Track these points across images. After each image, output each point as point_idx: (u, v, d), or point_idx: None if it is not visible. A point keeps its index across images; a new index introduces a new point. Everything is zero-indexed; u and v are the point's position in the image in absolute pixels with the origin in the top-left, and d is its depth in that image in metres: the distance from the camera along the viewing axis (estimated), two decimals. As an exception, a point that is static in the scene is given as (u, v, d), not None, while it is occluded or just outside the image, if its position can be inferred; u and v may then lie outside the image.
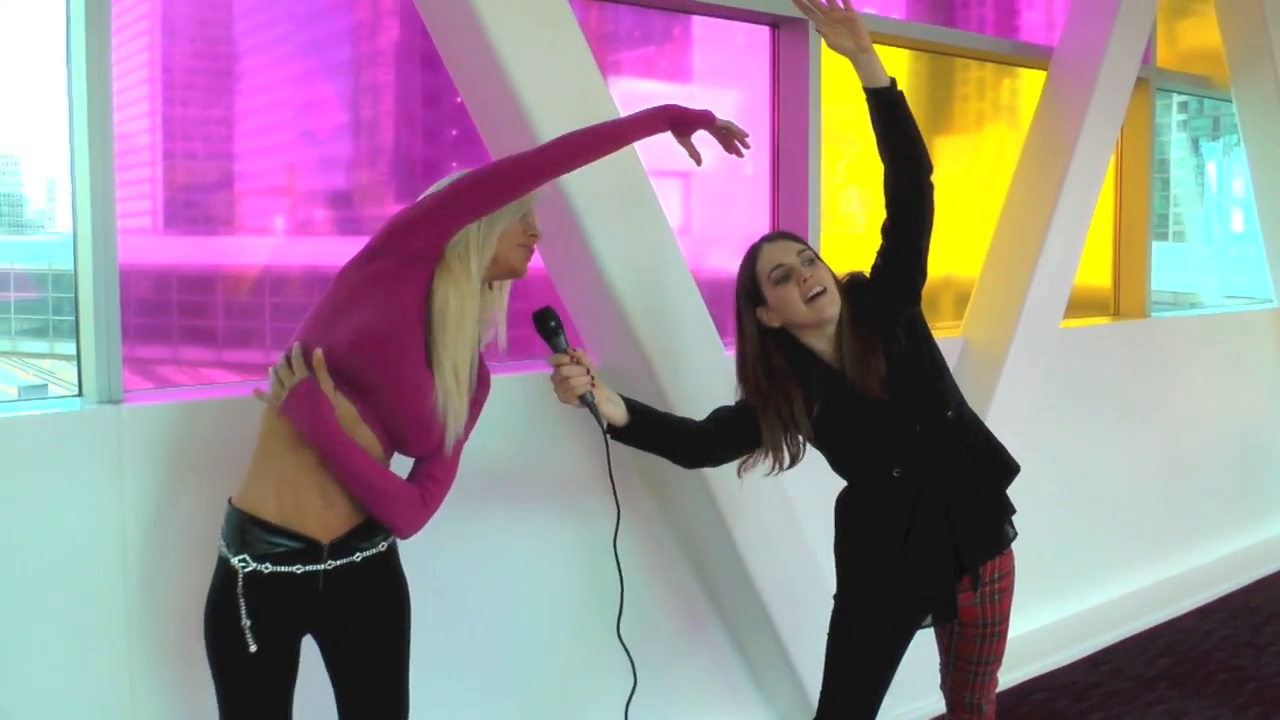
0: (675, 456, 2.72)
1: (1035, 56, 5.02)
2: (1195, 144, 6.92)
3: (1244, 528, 6.38)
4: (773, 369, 2.64)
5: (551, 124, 3.03)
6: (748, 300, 2.65)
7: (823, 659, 2.82)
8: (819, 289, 2.57)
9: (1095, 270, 5.70)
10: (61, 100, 2.69)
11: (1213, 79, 6.29)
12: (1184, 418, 5.89)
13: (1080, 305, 5.42)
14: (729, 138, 2.72)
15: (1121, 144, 5.67)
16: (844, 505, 2.81)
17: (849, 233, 4.64)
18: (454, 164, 3.60)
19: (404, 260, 2.26)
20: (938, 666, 2.98)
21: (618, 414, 2.55)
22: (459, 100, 3.29)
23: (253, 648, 2.25)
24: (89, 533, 2.62)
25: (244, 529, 2.27)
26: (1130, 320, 5.72)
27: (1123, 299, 5.81)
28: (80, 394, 2.76)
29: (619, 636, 2.70)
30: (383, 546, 2.40)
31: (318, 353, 2.23)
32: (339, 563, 2.31)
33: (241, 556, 2.26)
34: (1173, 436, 5.83)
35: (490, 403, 2.56)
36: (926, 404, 2.65)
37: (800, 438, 2.69)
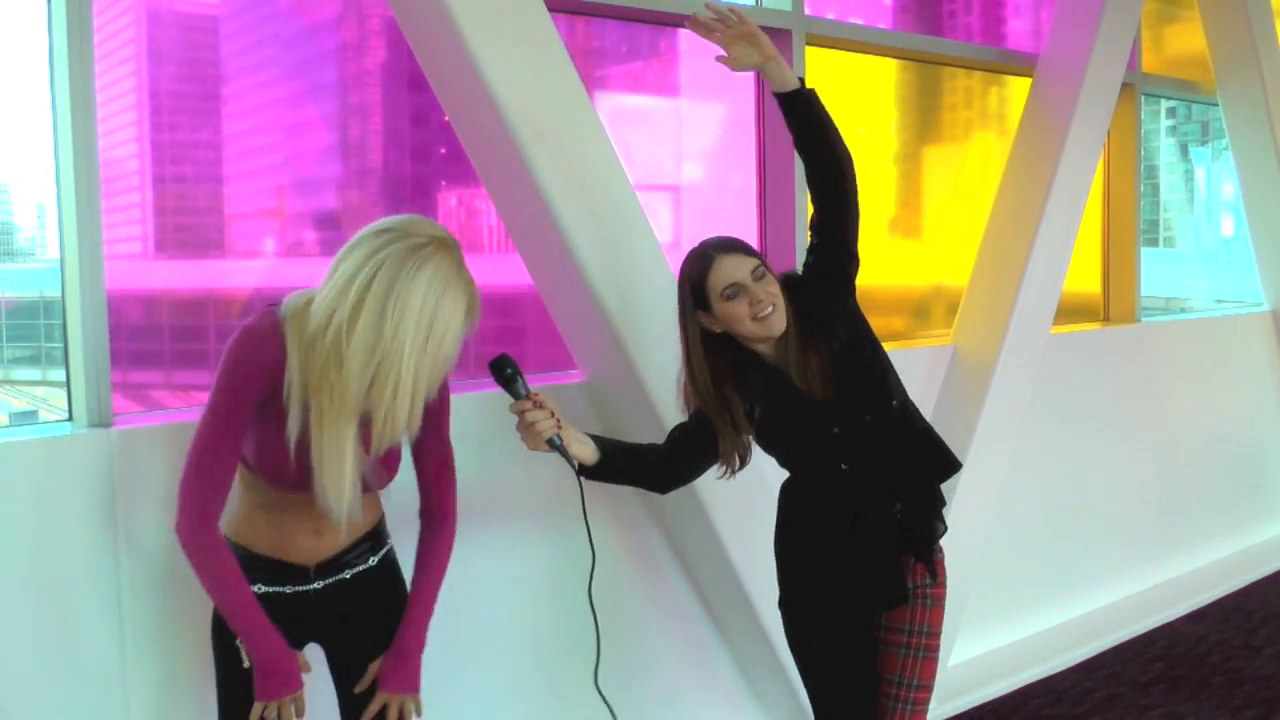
0: (647, 485, 2.71)
1: (1021, 64, 5.04)
2: (1184, 149, 6.95)
3: (1237, 530, 6.40)
4: (714, 374, 2.62)
5: (537, 142, 3.05)
6: (691, 304, 2.61)
7: None
8: (769, 309, 2.53)
9: (1085, 276, 5.71)
10: (47, 126, 2.70)
11: (1199, 84, 6.32)
12: (1175, 422, 5.91)
13: (1070, 311, 5.43)
14: None
15: (1109, 149, 5.69)
16: (787, 496, 2.78)
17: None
18: (443, 182, 3.62)
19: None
20: None
21: (586, 453, 2.52)
22: (447, 119, 3.31)
23: (246, 664, 2.26)
24: (82, 556, 2.62)
25: (239, 557, 2.29)
26: (1120, 326, 5.74)
27: (1113, 304, 5.83)
28: (70, 418, 2.77)
29: (595, 684, 2.65)
30: (374, 562, 2.42)
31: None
32: (328, 581, 2.35)
33: None
34: (1164, 441, 5.85)
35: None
36: (872, 396, 2.64)
37: (747, 439, 2.67)
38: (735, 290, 2.54)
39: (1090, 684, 4.68)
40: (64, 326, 2.76)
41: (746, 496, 3.30)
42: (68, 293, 2.73)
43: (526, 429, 2.46)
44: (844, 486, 2.65)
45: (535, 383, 3.39)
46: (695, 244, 2.66)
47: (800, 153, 2.63)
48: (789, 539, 2.77)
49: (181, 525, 2.16)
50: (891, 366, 2.72)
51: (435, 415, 2.34)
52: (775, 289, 2.56)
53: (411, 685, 2.37)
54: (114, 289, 2.78)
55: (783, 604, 2.79)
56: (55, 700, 2.61)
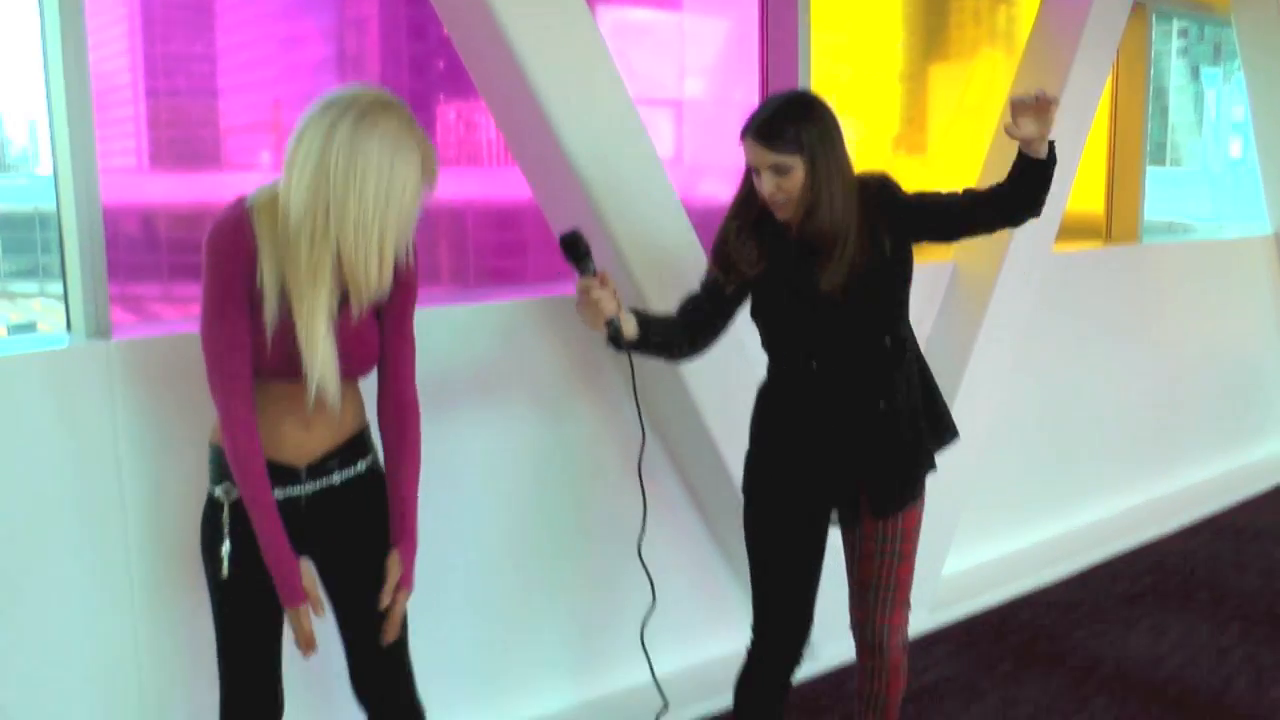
0: (672, 355, 2.74)
1: (1029, -20, 5.00)
2: (1195, 71, 6.88)
3: (1231, 450, 6.46)
4: (751, 208, 2.67)
5: (537, 56, 3.04)
6: None
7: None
8: (779, 201, 2.58)
9: (1089, 195, 5.70)
10: (37, 39, 2.69)
11: (1212, 4, 6.24)
12: (1174, 342, 5.94)
13: (1073, 230, 5.44)
14: None
15: (1117, 69, 5.64)
16: (761, 397, 2.82)
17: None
18: (441, 96, 3.61)
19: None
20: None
21: (631, 329, 2.57)
22: (445, 33, 3.30)
23: (225, 574, 2.31)
24: (82, 466, 2.67)
25: (223, 462, 2.32)
26: (1122, 245, 5.73)
27: (1115, 225, 5.82)
28: (69, 330, 2.79)
29: (639, 555, 2.79)
30: (361, 468, 2.44)
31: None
32: (318, 485, 2.37)
33: (223, 485, 2.33)
34: (1162, 361, 5.88)
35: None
36: (870, 317, 2.66)
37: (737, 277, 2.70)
38: (754, 171, 2.61)
39: (1080, 596, 4.75)
40: (60, 240, 2.78)
41: (744, 396, 3.34)
42: (63, 206, 2.74)
43: (590, 305, 2.49)
44: (813, 387, 2.69)
45: (535, 294, 3.46)
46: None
47: (1010, 186, 2.60)
48: (756, 438, 2.82)
49: (219, 424, 2.26)
50: (905, 311, 2.74)
51: (401, 297, 2.37)
52: (793, 184, 2.55)
53: (412, 584, 2.45)
54: (110, 202, 2.79)
55: (744, 494, 2.85)
56: (62, 607, 2.68)
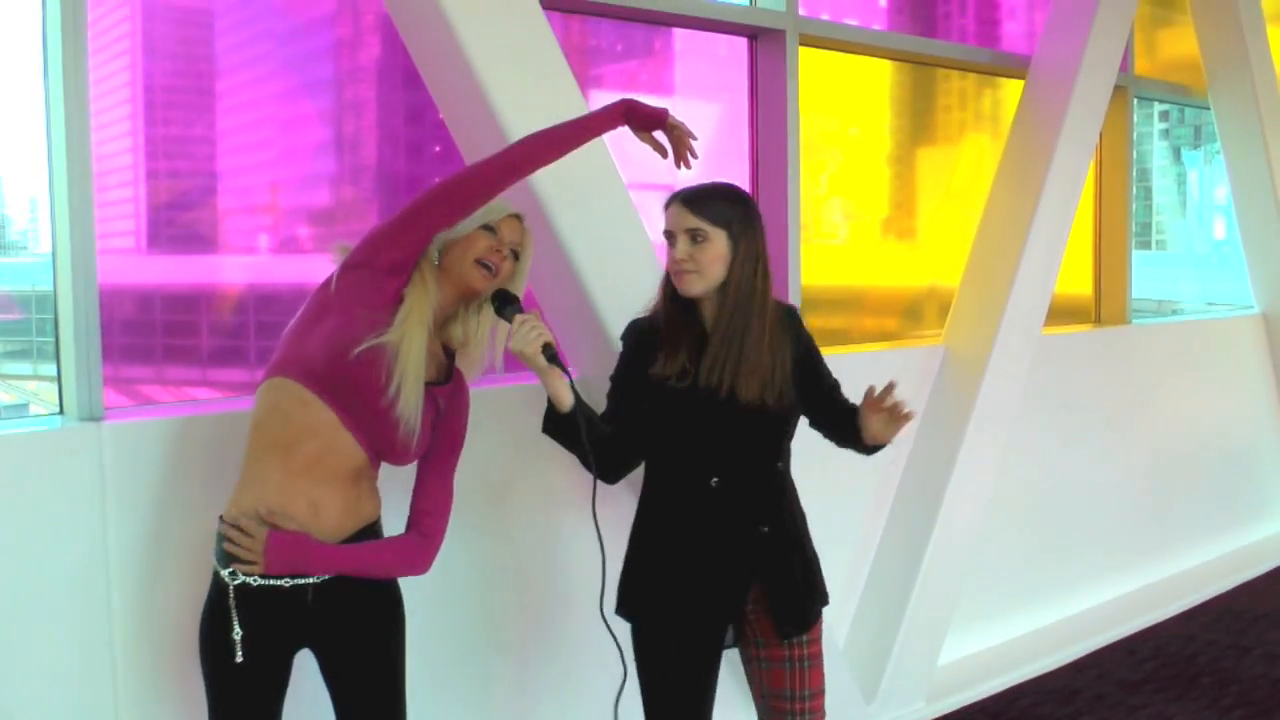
0: (601, 458, 2.55)
1: (1014, 66, 5.05)
2: (1177, 153, 6.98)
3: (1227, 532, 6.42)
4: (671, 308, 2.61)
5: (546, 169, 3.04)
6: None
7: None
8: (689, 270, 2.51)
9: (1076, 278, 5.73)
10: (40, 120, 2.70)
11: (1191, 88, 6.35)
12: (1166, 424, 5.93)
13: (1062, 313, 5.45)
14: (680, 142, 2.67)
15: (1101, 152, 5.71)
16: (649, 515, 2.69)
17: (831, 244, 4.67)
18: (436, 179, 3.61)
19: (378, 272, 2.32)
20: None
21: (566, 394, 2.47)
22: (441, 117, 3.31)
23: (239, 658, 2.26)
24: (72, 550, 2.61)
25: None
26: (1111, 327, 5.76)
27: (1104, 306, 5.85)
28: (61, 412, 2.76)
29: (602, 615, 2.59)
30: None
31: (261, 510, 2.27)
32: (327, 576, 2.32)
33: (231, 569, 2.27)
34: (1155, 443, 5.87)
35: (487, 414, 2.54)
36: (775, 434, 2.63)
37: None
38: (668, 237, 2.56)
39: (1079, 684, 4.69)
40: (56, 321, 2.75)
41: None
42: (60, 287, 2.72)
43: (531, 330, 2.39)
44: (707, 505, 2.58)
45: (529, 380, 3.42)
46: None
47: (849, 434, 2.71)
48: (648, 554, 2.68)
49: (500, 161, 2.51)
50: (790, 444, 2.70)
51: (452, 421, 2.49)
52: (709, 258, 2.50)
53: (276, 559, 2.26)
54: (106, 283, 2.77)
55: (631, 623, 2.70)
56: (45, 695, 2.60)
